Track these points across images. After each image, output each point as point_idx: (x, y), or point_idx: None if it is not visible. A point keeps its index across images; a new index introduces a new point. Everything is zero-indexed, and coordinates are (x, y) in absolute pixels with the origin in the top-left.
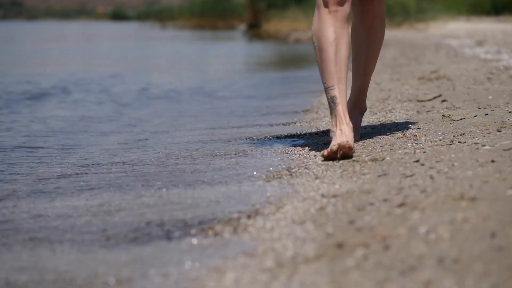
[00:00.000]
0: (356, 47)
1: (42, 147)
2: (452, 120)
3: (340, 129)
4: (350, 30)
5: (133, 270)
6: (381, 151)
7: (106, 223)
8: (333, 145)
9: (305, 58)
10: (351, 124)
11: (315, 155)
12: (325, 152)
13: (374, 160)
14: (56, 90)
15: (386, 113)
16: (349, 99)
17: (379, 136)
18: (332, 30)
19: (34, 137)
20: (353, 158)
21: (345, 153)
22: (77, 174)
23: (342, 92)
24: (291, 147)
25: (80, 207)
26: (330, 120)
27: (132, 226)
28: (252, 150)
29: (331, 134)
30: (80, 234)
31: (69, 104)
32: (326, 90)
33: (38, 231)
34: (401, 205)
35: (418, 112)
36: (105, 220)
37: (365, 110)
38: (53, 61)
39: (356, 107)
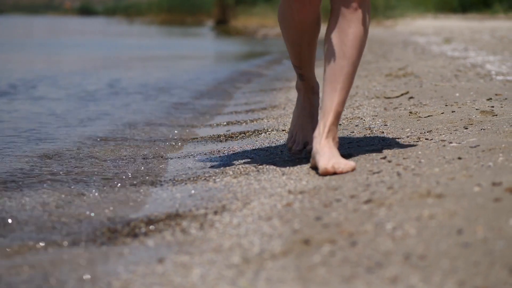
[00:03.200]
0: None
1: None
2: (419, 117)
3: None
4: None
5: (99, 267)
6: (348, 147)
7: (71, 221)
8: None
9: (271, 54)
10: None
11: (282, 151)
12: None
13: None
14: (19, 86)
15: (354, 109)
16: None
17: (346, 133)
18: (299, 7)
19: None
20: None
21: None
22: (39, 169)
23: (309, 72)
24: (258, 144)
25: (40, 203)
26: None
27: (97, 223)
28: (219, 147)
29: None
30: (42, 231)
31: (32, 99)
32: (293, 66)
33: None
34: (368, 201)
35: (385, 108)
36: (70, 217)
37: (338, 147)
38: (18, 56)
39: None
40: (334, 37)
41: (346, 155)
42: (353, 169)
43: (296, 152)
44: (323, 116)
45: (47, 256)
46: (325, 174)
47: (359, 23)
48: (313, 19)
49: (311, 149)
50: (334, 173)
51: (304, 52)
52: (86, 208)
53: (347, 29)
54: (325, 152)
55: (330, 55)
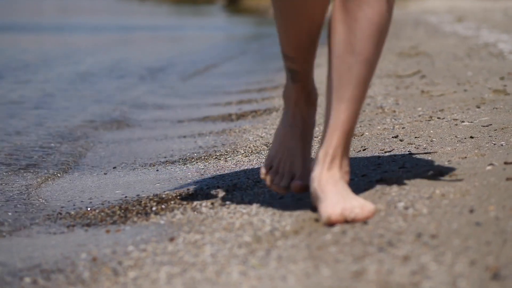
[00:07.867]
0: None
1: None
2: (431, 96)
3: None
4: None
5: (109, 246)
6: (360, 126)
7: (84, 202)
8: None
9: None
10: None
11: None
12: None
13: (353, 135)
14: (24, 65)
15: None
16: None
17: None
18: None
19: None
20: None
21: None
22: (46, 151)
23: (306, 68)
24: (269, 122)
25: (53, 186)
26: (283, 108)
27: (108, 203)
28: (230, 126)
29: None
30: (55, 213)
31: (36, 79)
32: (284, 57)
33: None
34: (380, 180)
35: (397, 87)
36: (83, 199)
37: (348, 179)
38: (26, 35)
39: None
40: (339, 23)
41: (358, 133)
42: (372, 214)
43: (278, 189)
44: (325, 138)
45: (58, 234)
46: (331, 224)
47: (375, 2)
48: None
49: (298, 186)
50: (346, 222)
51: (303, 34)
52: (95, 187)
53: (357, 12)
54: (329, 193)
55: (334, 50)
